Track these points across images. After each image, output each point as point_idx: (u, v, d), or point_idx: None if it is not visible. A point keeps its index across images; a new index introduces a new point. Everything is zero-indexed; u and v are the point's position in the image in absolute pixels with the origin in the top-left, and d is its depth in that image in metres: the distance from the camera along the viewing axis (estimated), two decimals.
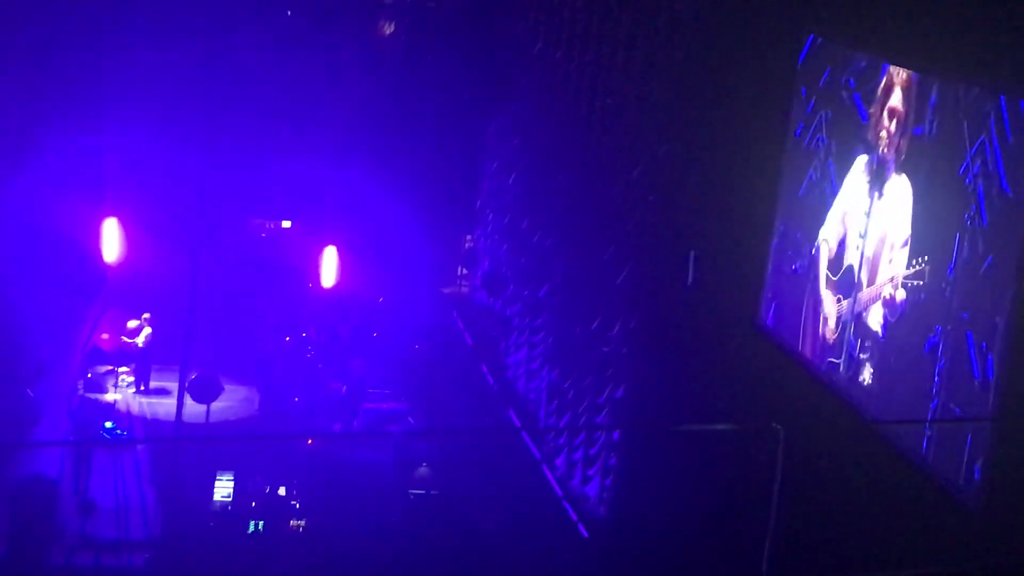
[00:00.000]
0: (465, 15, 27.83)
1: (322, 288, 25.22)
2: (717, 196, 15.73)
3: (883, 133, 12.12)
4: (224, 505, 18.85)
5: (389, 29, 28.88)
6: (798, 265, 13.70)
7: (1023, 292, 9.76)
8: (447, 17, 28.34)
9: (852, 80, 12.55)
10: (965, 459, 10.33)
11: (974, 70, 10.48)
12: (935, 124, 11.00)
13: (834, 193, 12.82)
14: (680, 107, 17.10)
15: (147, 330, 23.14)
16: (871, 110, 12.48)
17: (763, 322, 14.45)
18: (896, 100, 12.00)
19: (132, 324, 23.73)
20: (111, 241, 23.98)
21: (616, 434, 18.99)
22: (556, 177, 22.50)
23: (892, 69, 12.17)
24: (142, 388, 23.01)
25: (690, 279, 15.97)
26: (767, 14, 14.65)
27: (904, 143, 11.73)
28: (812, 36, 13.54)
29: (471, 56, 27.16)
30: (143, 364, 23.13)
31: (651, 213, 18.02)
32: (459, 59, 27.33)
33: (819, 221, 13.22)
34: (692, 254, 15.86)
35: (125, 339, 23.24)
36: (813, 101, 13.46)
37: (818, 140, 13.28)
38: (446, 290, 29.28)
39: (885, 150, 12.06)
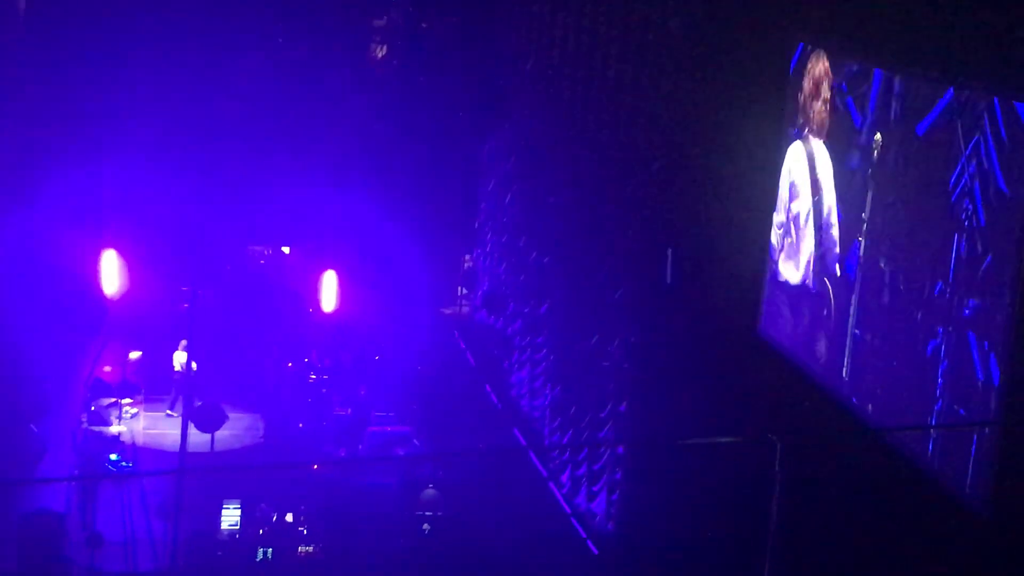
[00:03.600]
0: (457, 36, 27.89)
1: (323, 313, 25.22)
2: (713, 208, 15.73)
3: (816, 118, 12.60)
4: (232, 534, 18.80)
5: (381, 52, 28.93)
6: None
7: (1022, 292, 9.76)
8: (440, 39, 28.39)
9: (844, 84, 12.56)
10: (971, 463, 10.28)
11: (965, 72, 10.49)
12: (929, 125, 10.99)
13: (831, 200, 12.80)
14: (673, 121, 17.12)
15: (182, 355, 23.27)
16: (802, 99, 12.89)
17: (763, 330, 14.43)
18: (818, 87, 12.54)
19: (134, 356, 23.75)
20: (110, 273, 23.99)
21: (620, 448, 18.96)
22: (552, 194, 22.52)
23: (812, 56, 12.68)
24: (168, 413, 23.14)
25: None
26: (757, 25, 14.67)
27: (827, 121, 12.16)
28: (802, 44, 13.56)
29: (465, 77, 27.21)
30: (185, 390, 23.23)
31: (646, 227, 18.02)
32: (453, 80, 27.38)
33: (820, 228, 13.19)
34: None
35: (181, 364, 23.32)
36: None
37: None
38: (447, 311, 29.27)
39: (818, 133, 12.52)
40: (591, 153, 20.51)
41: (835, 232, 12.86)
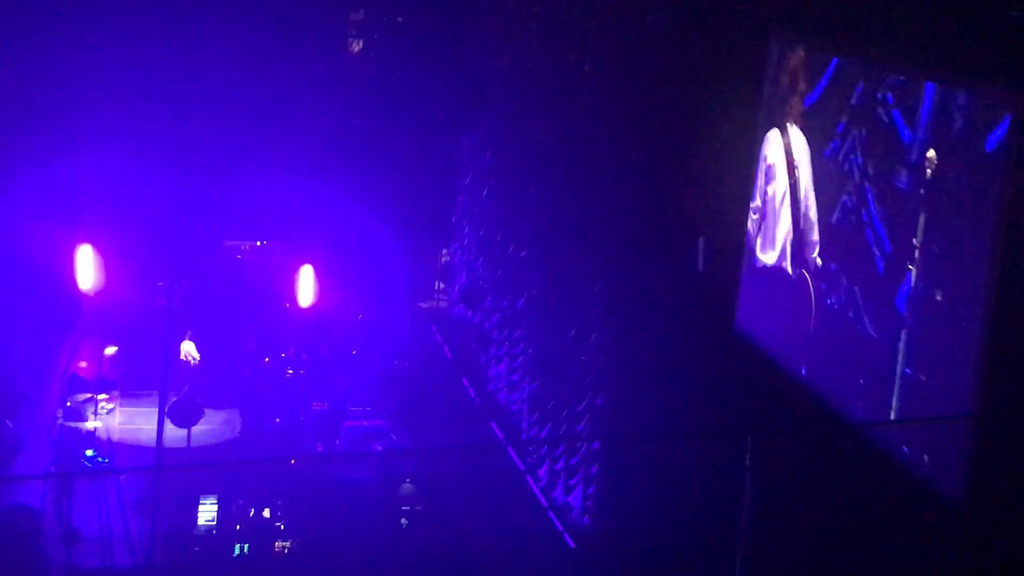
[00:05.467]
0: (434, 30, 27.83)
1: (300, 307, 25.16)
2: (690, 202, 15.76)
3: (794, 111, 12.52)
4: (209, 529, 18.76)
5: (358, 46, 28.86)
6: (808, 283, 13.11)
7: (1000, 289, 9.77)
8: (417, 33, 28.33)
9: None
10: (953, 459, 10.27)
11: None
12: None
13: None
14: (651, 114, 17.14)
15: (190, 345, 23.23)
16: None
17: (740, 325, 14.45)
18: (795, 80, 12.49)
19: (110, 351, 23.65)
20: (86, 268, 23.88)
21: (596, 443, 19.00)
22: (529, 188, 22.53)
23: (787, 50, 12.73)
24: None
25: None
26: (733, 18, 14.70)
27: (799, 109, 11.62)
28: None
29: (442, 71, 27.16)
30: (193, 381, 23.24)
31: (624, 221, 18.05)
32: (430, 74, 27.33)
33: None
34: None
35: (192, 356, 23.26)
36: (844, 121, 12.32)
37: (852, 162, 12.17)
38: (424, 305, 29.24)
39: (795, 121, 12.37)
40: (569, 147, 20.51)
41: (813, 215, 12.65)
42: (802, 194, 12.94)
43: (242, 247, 28.52)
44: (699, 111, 15.42)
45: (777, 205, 13.54)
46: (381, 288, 27.15)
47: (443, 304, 29.34)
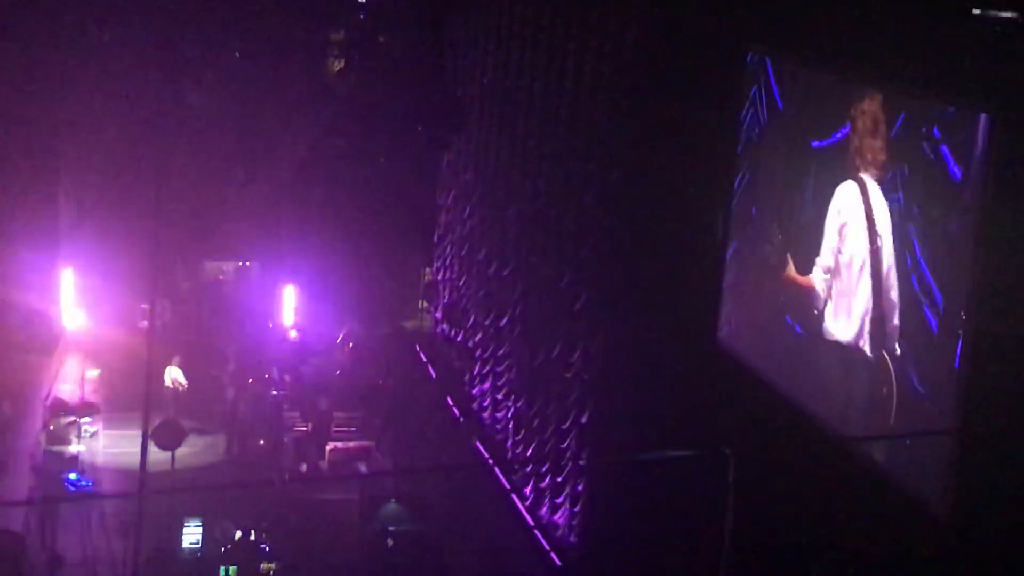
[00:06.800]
0: (414, 49, 27.89)
1: (283, 328, 25.12)
2: (671, 218, 15.79)
3: (876, 158, 11.36)
4: (193, 552, 18.67)
5: (338, 66, 28.91)
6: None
7: (979, 308, 9.78)
8: (397, 52, 28.39)
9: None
10: (937, 472, 10.28)
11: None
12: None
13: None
14: (630, 131, 17.18)
15: (176, 371, 23.13)
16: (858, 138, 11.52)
17: (725, 341, 14.46)
18: (876, 124, 11.32)
19: (92, 374, 23.58)
20: (69, 291, 23.84)
21: (582, 460, 18.98)
22: (511, 206, 22.55)
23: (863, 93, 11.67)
24: None
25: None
26: (710, 37, 14.75)
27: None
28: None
29: (422, 90, 27.20)
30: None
31: (606, 237, 18.08)
32: (410, 93, 27.37)
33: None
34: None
35: (179, 383, 23.15)
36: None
37: (892, 201, 11.32)
38: (408, 324, 29.22)
39: (876, 176, 11.45)
40: (550, 164, 20.55)
41: (895, 295, 11.21)
42: (884, 268, 11.39)
43: (224, 268, 28.50)
44: (678, 129, 15.46)
45: (854, 274, 12.05)
46: (364, 308, 27.13)
47: (427, 323, 29.32)
